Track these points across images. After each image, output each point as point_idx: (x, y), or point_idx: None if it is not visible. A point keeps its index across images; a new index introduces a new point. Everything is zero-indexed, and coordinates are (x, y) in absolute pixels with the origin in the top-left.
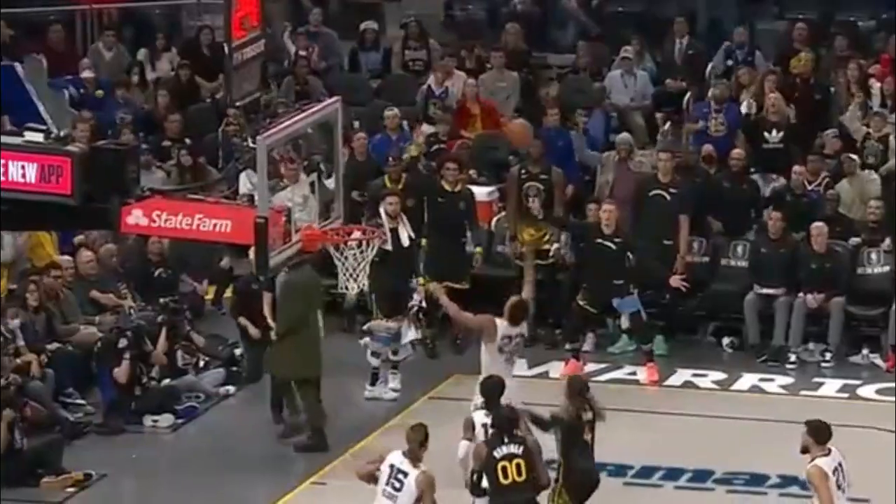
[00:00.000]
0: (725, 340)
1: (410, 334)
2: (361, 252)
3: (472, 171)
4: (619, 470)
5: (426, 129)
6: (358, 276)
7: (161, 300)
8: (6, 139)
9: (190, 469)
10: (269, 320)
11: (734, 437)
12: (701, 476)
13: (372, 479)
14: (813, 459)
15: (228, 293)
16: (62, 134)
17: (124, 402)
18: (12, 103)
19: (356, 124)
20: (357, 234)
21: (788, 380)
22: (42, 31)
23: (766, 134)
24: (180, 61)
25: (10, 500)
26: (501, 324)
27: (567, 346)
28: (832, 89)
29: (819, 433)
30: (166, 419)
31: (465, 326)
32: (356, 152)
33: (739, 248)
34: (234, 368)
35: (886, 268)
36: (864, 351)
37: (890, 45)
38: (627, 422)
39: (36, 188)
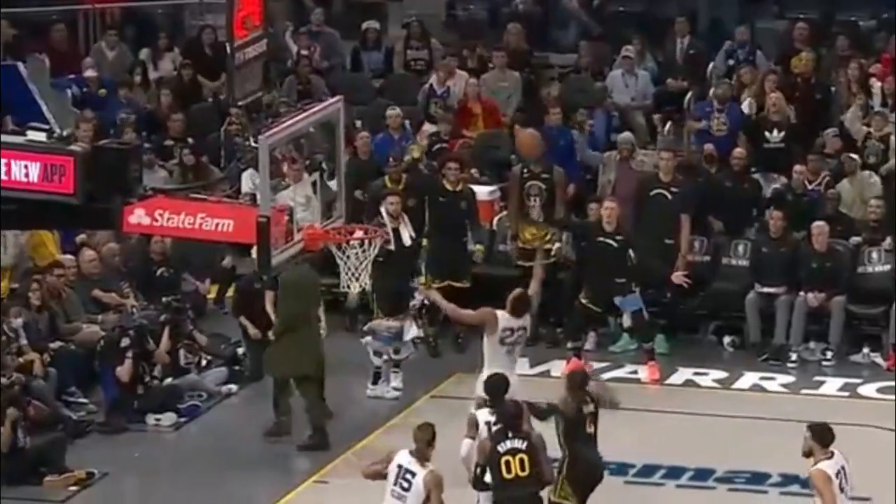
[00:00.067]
0: (726, 339)
1: (412, 332)
2: (363, 251)
3: (473, 171)
4: (621, 468)
5: (428, 128)
6: (360, 275)
7: (163, 299)
8: (9, 139)
9: (192, 468)
10: (273, 318)
11: (735, 435)
12: (702, 475)
13: (378, 476)
14: (816, 463)
15: (231, 292)
16: (65, 133)
17: (127, 400)
18: (15, 103)
19: (358, 123)
20: (359, 234)
21: (789, 378)
22: (45, 31)
23: (767, 133)
24: (183, 61)
25: (12, 499)
26: (503, 316)
27: (569, 345)
28: (833, 89)
29: (823, 436)
30: (169, 418)
31: (466, 323)
32: (359, 151)
33: (740, 248)
34: (237, 367)
35: (887, 267)
36: (865, 350)
37: (890, 44)
38: (629, 420)
39: (39, 187)
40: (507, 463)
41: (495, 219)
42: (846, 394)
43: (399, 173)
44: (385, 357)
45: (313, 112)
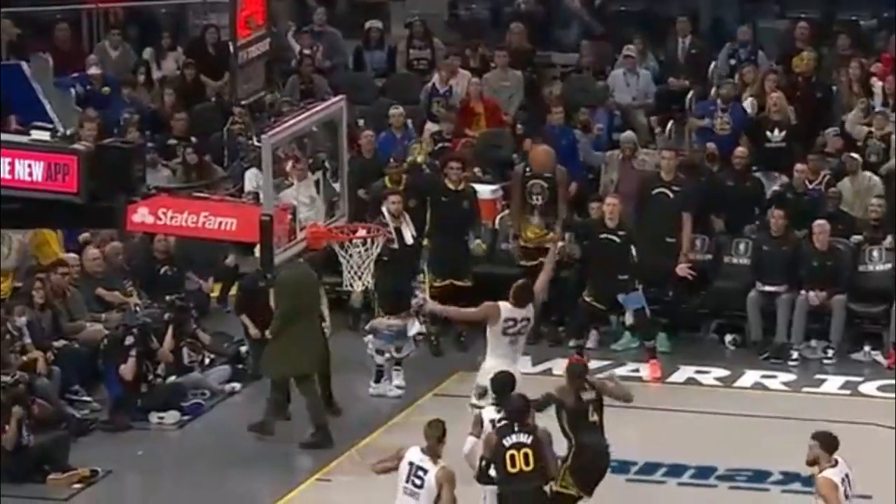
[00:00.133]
0: (728, 338)
1: (415, 328)
2: (366, 250)
3: (476, 169)
4: (622, 466)
5: (430, 127)
6: (362, 274)
7: (167, 298)
8: (13, 138)
9: (195, 466)
10: None
11: (737, 433)
12: (703, 472)
13: (388, 471)
14: (821, 470)
15: (234, 291)
16: (68, 132)
17: (130, 399)
18: (19, 102)
19: (361, 123)
20: (362, 233)
21: (790, 377)
22: (48, 30)
23: (768, 133)
24: (186, 60)
25: (16, 497)
26: (506, 307)
27: (571, 343)
28: (834, 88)
29: (829, 444)
30: (172, 416)
31: (470, 322)
32: (363, 150)
33: (742, 246)
34: (240, 366)
35: (888, 265)
36: (866, 348)
37: (891, 44)
38: (630, 418)
39: (42, 186)
40: (512, 457)
41: (497, 218)
42: (847, 392)
43: (399, 174)
44: (387, 355)
45: (316, 111)
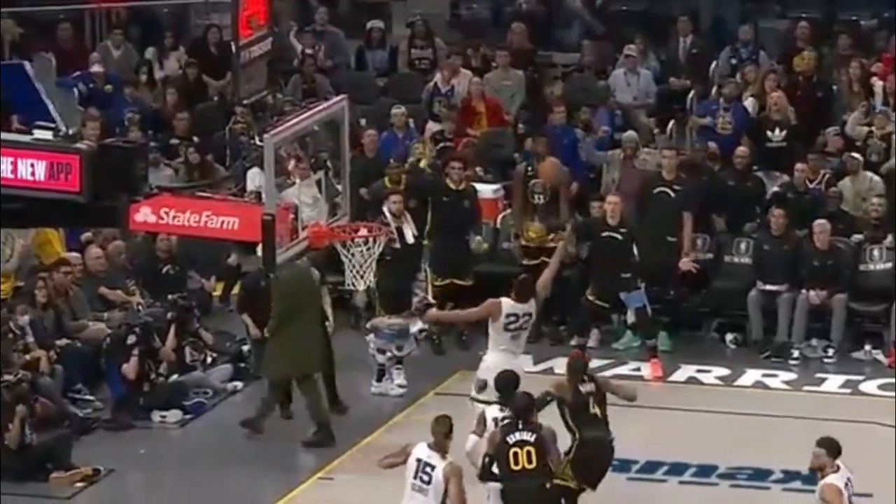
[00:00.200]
0: (729, 336)
1: (417, 325)
2: (368, 249)
3: (478, 169)
4: (624, 465)
5: (432, 126)
6: (365, 273)
7: (169, 297)
8: (16, 137)
9: (198, 464)
10: None
11: (738, 432)
12: (705, 471)
13: (394, 467)
14: (824, 476)
15: (236, 290)
16: (71, 132)
17: (133, 397)
18: (21, 102)
19: (363, 122)
20: (363, 232)
21: (791, 375)
22: (51, 30)
23: (769, 132)
24: (188, 60)
25: (19, 495)
26: (507, 302)
27: (573, 342)
28: (835, 88)
29: (836, 450)
30: (174, 415)
31: (474, 322)
32: (366, 149)
33: (743, 245)
34: (242, 364)
35: (888, 264)
36: (867, 347)
37: (891, 44)
38: (632, 417)
39: (45, 186)
40: (515, 454)
41: (499, 217)
42: (848, 391)
43: (399, 174)
44: (388, 354)
45: (318, 111)
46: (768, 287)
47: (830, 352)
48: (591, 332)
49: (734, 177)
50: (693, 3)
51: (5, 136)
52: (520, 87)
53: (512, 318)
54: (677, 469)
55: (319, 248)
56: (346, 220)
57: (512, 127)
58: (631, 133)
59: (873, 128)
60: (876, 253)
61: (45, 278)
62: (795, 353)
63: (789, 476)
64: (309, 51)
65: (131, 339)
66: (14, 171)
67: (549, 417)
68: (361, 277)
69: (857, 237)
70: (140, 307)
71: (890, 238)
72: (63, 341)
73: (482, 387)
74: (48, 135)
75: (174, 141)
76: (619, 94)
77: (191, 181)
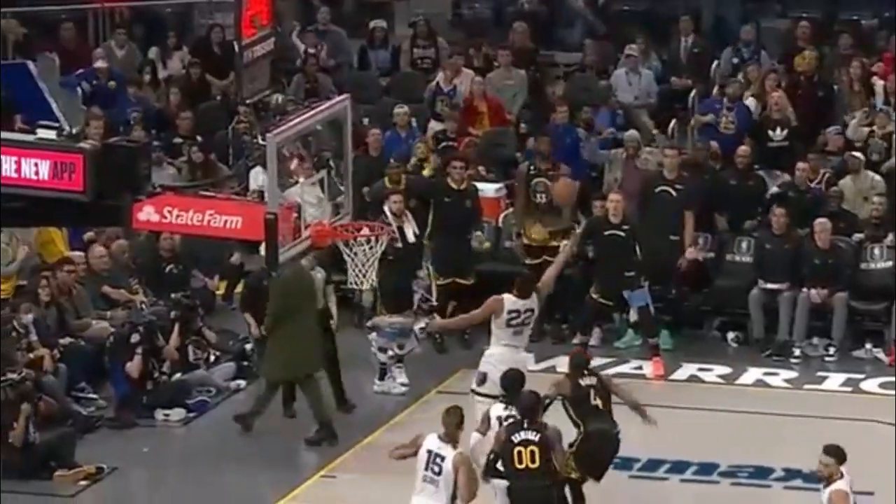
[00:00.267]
0: (730, 335)
1: (420, 322)
2: (371, 248)
3: (480, 168)
4: (625, 463)
5: (434, 125)
6: (367, 272)
7: (173, 296)
8: (20, 136)
9: (201, 462)
10: None
11: (739, 430)
12: (706, 469)
13: (405, 458)
14: (832, 483)
15: (239, 288)
16: (74, 131)
17: (136, 396)
18: (25, 101)
19: (365, 121)
20: (365, 231)
21: (792, 374)
22: (54, 30)
23: (770, 132)
24: (191, 59)
25: (23, 493)
26: (509, 299)
27: (575, 341)
28: (836, 87)
29: (843, 458)
30: (178, 413)
31: (479, 323)
32: (371, 148)
33: (744, 244)
34: (245, 363)
35: (889, 263)
36: (868, 345)
37: (892, 43)
38: (633, 416)
39: (49, 185)
40: (519, 453)
41: (501, 216)
42: (849, 389)
43: (399, 174)
44: (390, 353)
45: (321, 110)
46: (769, 286)
47: (831, 350)
48: (593, 330)
49: (736, 176)
50: (694, 3)
51: (9, 135)
52: (522, 86)
53: (514, 314)
54: (679, 467)
55: (322, 248)
56: (348, 219)
57: (514, 126)
58: (633, 132)
59: (874, 127)
60: (877, 252)
61: (49, 277)
62: (796, 352)
63: (790, 474)
64: (311, 50)
65: (135, 338)
66: (18, 170)
67: (555, 416)
68: (364, 276)
69: (858, 236)
70: (143, 306)
71: (890, 237)
72: (66, 340)
73: (482, 380)
74: (52, 134)
75: (177, 140)
76: (621, 94)
77: (194, 180)
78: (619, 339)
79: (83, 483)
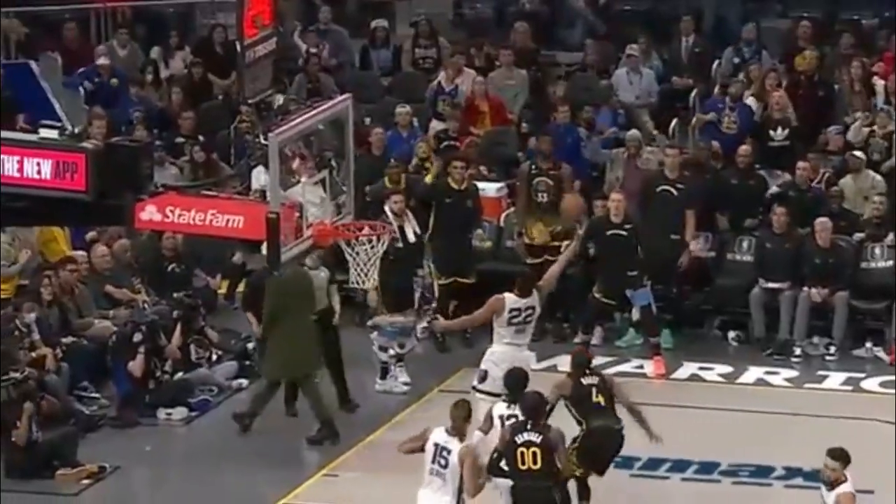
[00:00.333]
0: (731, 334)
1: (422, 325)
2: (372, 248)
3: (481, 168)
4: (626, 462)
5: (436, 125)
6: (369, 271)
7: (175, 295)
8: (22, 136)
9: (203, 461)
10: None
11: (740, 429)
12: (707, 468)
13: (416, 451)
14: (838, 485)
15: (241, 288)
16: (77, 131)
17: (138, 395)
18: (28, 101)
19: (367, 121)
20: (367, 230)
21: (793, 373)
22: (57, 29)
23: (771, 131)
24: (193, 59)
25: (25, 492)
26: (510, 298)
27: (576, 339)
28: (836, 87)
29: (849, 461)
30: (180, 412)
31: (482, 323)
32: (373, 147)
33: (745, 243)
34: (247, 362)
35: (890, 262)
36: (868, 344)
37: (892, 43)
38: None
39: (51, 184)
40: (522, 454)
41: (503, 215)
42: (849, 388)
43: (398, 173)
44: (391, 352)
45: (322, 110)
46: (770, 285)
47: (832, 349)
48: (594, 329)
49: (737, 175)
50: (696, 3)
51: (12, 135)
52: (523, 86)
53: (515, 313)
54: (680, 466)
55: (324, 247)
56: (350, 218)
57: (515, 126)
58: (634, 132)
59: (875, 127)
60: (877, 251)
61: (51, 276)
62: (797, 351)
63: (791, 473)
64: (313, 50)
65: (137, 337)
66: (20, 169)
67: (560, 417)
68: (366, 276)
69: (859, 235)
70: (146, 305)
71: (891, 236)
72: (69, 339)
73: (483, 377)
74: (54, 134)
75: (179, 140)
76: (622, 94)
77: (196, 180)
78: (621, 338)
79: (86, 482)
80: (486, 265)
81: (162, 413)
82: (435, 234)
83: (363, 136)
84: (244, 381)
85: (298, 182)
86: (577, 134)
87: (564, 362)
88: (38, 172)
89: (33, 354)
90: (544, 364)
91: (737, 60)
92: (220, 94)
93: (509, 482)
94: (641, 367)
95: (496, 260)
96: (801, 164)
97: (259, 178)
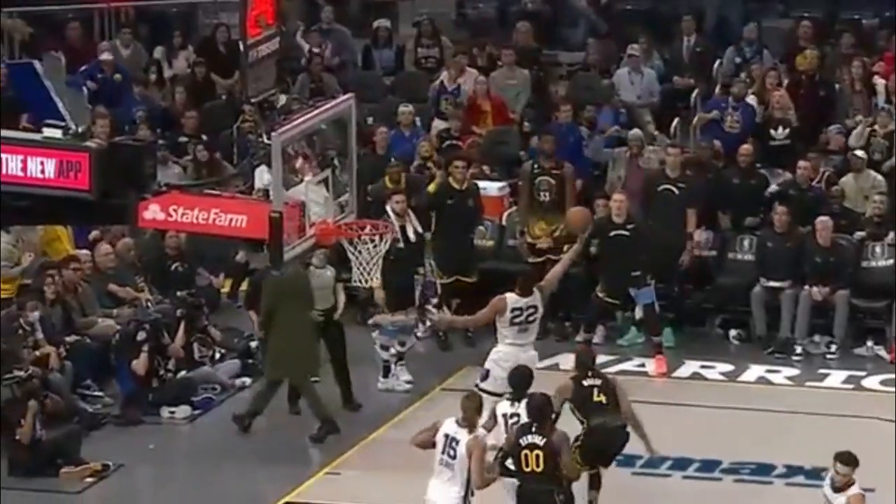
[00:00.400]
0: (732, 333)
1: (430, 316)
2: (375, 247)
3: (484, 167)
4: (628, 460)
5: (438, 124)
6: (371, 270)
7: (178, 293)
8: (26, 135)
9: (206, 459)
10: None
11: (741, 427)
12: (708, 466)
13: (428, 445)
14: (848, 487)
15: (244, 287)
16: (80, 130)
17: (142, 393)
18: (31, 100)
19: (370, 120)
20: (370, 229)
21: (794, 371)
22: (60, 29)
23: (772, 131)
24: (196, 59)
25: (29, 490)
26: (512, 297)
27: (578, 338)
28: (837, 86)
29: (857, 463)
30: (183, 410)
31: (485, 323)
32: (377, 146)
33: (746, 242)
34: (250, 360)
35: (890, 261)
36: (869, 343)
37: (893, 43)
38: (636, 413)
39: (55, 183)
40: (526, 456)
41: (505, 214)
42: (850, 386)
43: (398, 173)
44: (392, 351)
45: (325, 109)
46: (771, 283)
47: (833, 348)
48: (597, 328)
49: (738, 174)
50: (697, 3)
51: (15, 134)
52: (525, 85)
53: (517, 313)
54: (681, 464)
55: (327, 246)
56: (352, 217)
57: (517, 125)
58: (636, 131)
59: (876, 126)
60: (878, 250)
61: (54, 275)
62: (798, 349)
63: (792, 471)
64: (316, 50)
65: (140, 336)
66: (24, 168)
67: (565, 419)
68: (369, 274)
69: (860, 234)
70: (149, 304)
71: (892, 235)
72: (72, 338)
73: (485, 376)
74: (58, 133)
75: (183, 139)
76: (624, 93)
77: (199, 179)
78: (622, 337)
79: (89, 480)
80: (487, 264)
81: (165, 411)
82: (437, 234)
83: (366, 135)
84: (247, 380)
85: (301, 181)
86: (579, 133)
87: (567, 361)
88: (42, 172)
89: (37, 353)
90: (546, 363)
91: (738, 60)
92: (224, 94)
93: (516, 482)
94: (643, 365)
95: (498, 259)
96: (801, 163)
97: (262, 177)
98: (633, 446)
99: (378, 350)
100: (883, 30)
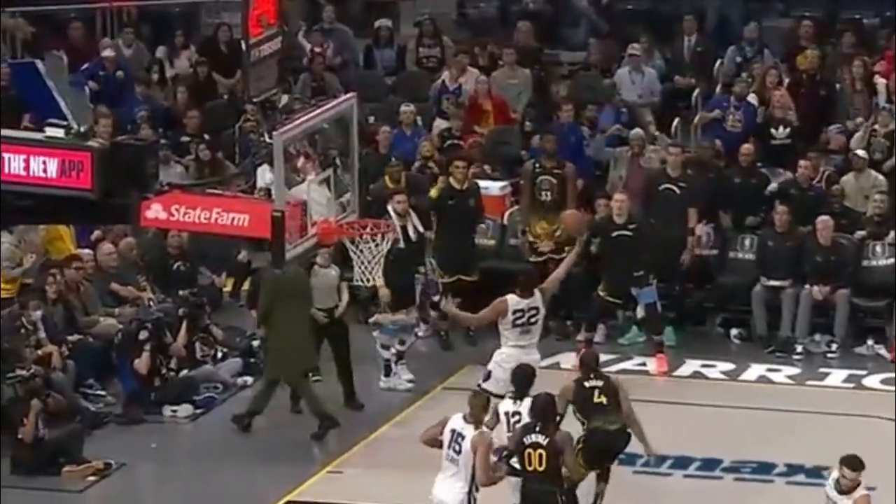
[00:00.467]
0: (733, 332)
1: (437, 300)
2: (376, 246)
3: (485, 166)
4: (629, 459)
5: (440, 123)
6: (373, 269)
7: (180, 293)
8: (28, 135)
9: (208, 458)
10: None
11: (742, 426)
12: (709, 465)
13: (435, 443)
14: (855, 490)
15: (246, 286)
16: (83, 129)
17: (144, 392)
18: (34, 100)
19: (371, 120)
20: (371, 228)
21: (795, 370)
22: (62, 29)
23: (773, 130)
24: (198, 58)
25: (31, 489)
26: (513, 299)
27: (580, 337)
28: (838, 86)
29: (863, 467)
30: (185, 409)
31: (487, 323)
32: (380, 145)
33: (747, 241)
34: (252, 359)
35: (891, 260)
36: (869, 342)
37: (893, 42)
38: (637, 412)
39: (57, 183)
40: (529, 455)
41: (506, 213)
42: (851, 385)
43: (398, 172)
44: (392, 350)
45: (327, 108)
46: (772, 283)
47: (833, 347)
48: (598, 327)
49: (739, 174)
50: (698, 2)
51: (18, 133)
52: (526, 85)
53: (518, 314)
54: (682, 463)
55: (329, 245)
56: (354, 216)
57: (519, 125)
58: (638, 131)
59: (876, 126)
60: (878, 249)
61: (56, 274)
62: (799, 348)
63: (793, 470)
64: (318, 49)
65: (143, 335)
66: (26, 168)
67: (569, 421)
68: (371, 274)
69: (860, 233)
70: (151, 303)
71: (892, 234)
72: (75, 337)
73: (487, 377)
74: (60, 133)
75: (185, 138)
76: (625, 93)
77: (201, 178)
78: (623, 336)
79: (91, 479)
80: (489, 263)
81: (167, 410)
82: (438, 233)
83: (368, 134)
84: (249, 379)
85: (303, 180)
86: (581, 133)
87: (567, 360)
88: (44, 171)
89: (39, 352)
90: (547, 361)
91: (739, 60)
92: (226, 93)
93: (520, 480)
94: (644, 364)
95: (499, 258)
96: (802, 162)
97: (264, 176)
98: (635, 445)
99: (379, 349)
100: (884, 29)
